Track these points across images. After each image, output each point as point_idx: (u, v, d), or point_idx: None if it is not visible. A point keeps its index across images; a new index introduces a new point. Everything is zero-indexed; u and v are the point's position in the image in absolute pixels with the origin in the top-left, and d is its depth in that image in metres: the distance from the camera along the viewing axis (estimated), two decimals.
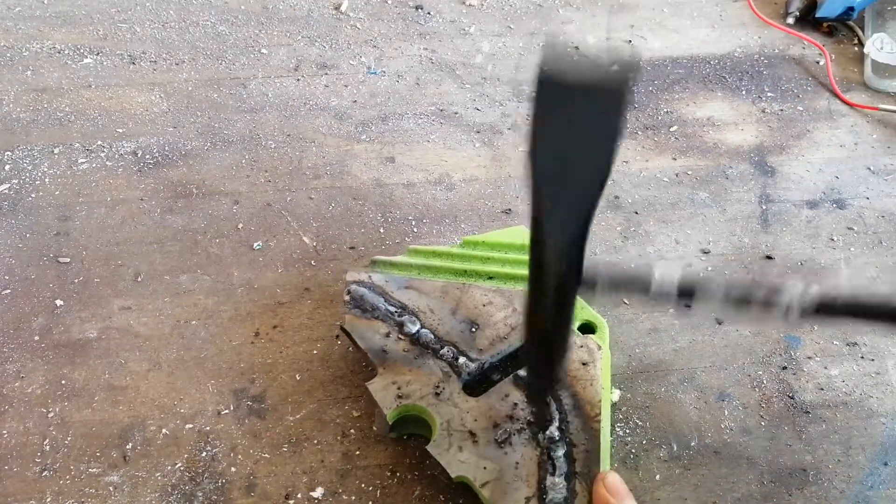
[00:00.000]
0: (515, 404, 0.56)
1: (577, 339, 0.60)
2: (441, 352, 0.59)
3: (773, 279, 0.44)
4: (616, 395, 0.62)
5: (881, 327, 0.42)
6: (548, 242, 0.41)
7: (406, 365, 0.58)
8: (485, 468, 0.52)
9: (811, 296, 0.42)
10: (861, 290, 0.41)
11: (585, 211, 0.40)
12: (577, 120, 0.39)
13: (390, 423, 0.56)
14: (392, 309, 0.61)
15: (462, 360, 0.58)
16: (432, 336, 0.59)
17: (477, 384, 0.58)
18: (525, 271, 0.45)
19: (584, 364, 0.58)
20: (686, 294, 0.44)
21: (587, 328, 0.62)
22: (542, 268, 0.43)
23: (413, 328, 0.60)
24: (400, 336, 0.59)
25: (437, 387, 0.57)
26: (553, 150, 0.39)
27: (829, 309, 0.42)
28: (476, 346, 0.59)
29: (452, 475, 0.53)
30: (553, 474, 0.52)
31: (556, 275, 0.42)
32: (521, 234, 0.67)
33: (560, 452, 0.53)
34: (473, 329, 0.60)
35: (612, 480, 0.51)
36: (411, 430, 0.59)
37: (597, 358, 0.58)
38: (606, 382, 0.58)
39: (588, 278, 0.44)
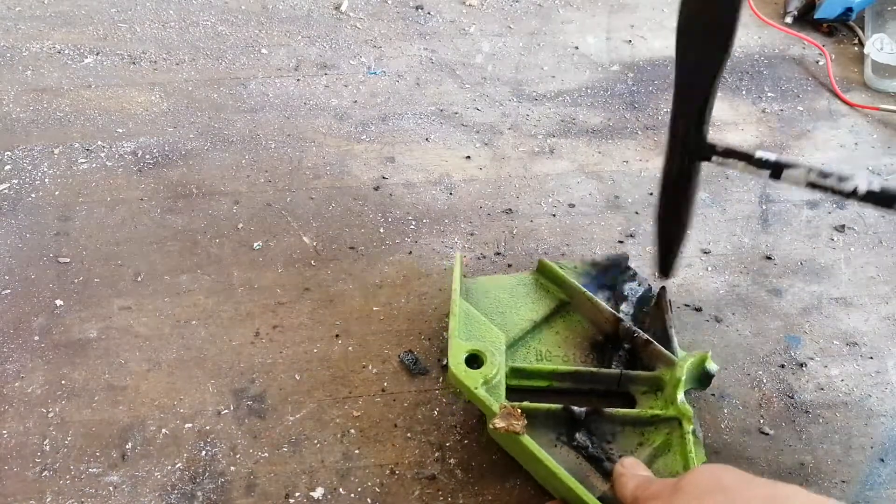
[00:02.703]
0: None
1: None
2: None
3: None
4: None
5: None
6: (683, 105, 0.53)
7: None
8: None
9: (875, 183, 0.49)
10: None
11: (714, 73, 0.51)
12: None
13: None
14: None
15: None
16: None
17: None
18: None
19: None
20: (778, 168, 0.52)
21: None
22: (675, 134, 0.54)
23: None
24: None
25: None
26: (694, 20, 0.51)
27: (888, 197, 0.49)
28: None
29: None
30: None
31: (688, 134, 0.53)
32: None
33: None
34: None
35: (629, 459, 0.54)
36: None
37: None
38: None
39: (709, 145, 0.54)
